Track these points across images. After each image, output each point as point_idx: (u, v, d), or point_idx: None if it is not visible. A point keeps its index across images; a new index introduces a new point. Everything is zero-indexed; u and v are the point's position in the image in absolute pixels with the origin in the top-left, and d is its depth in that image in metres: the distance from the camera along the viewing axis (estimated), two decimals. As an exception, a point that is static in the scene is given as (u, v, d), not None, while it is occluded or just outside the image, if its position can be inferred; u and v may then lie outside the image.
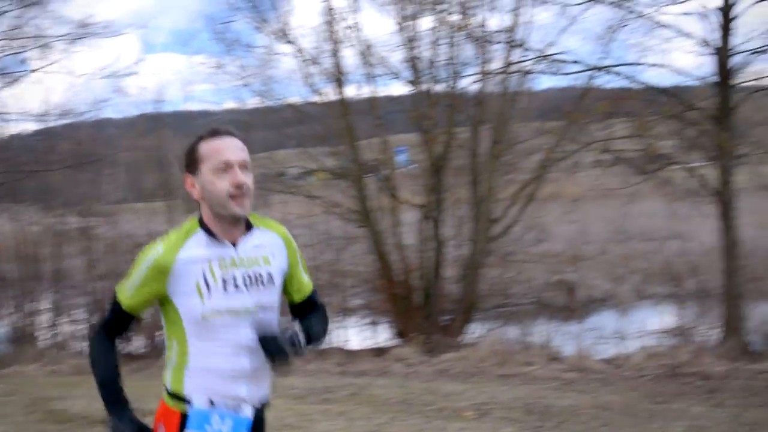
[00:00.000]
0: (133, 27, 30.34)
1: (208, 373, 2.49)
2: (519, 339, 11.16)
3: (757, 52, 9.74)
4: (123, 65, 20.23)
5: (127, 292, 2.51)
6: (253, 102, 12.64)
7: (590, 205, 13.20)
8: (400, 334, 11.69)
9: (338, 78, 11.80)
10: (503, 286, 12.53)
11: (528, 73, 11.37)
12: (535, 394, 7.57)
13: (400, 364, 9.92)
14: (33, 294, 13.63)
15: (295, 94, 13.05)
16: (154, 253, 2.46)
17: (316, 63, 11.92)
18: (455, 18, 11.23)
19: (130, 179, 18.85)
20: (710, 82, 10.07)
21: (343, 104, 11.84)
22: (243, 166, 2.48)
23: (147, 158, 16.01)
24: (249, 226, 2.58)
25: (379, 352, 11.00)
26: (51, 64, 12.96)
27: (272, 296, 2.58)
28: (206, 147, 2.50)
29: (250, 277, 2.54)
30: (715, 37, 9.94)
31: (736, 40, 9.89)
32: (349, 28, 11.68)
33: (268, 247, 2.61)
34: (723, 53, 9.87)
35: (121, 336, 2.60)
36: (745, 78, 10.01)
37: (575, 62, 10.71)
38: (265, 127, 13.30)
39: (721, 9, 9.89)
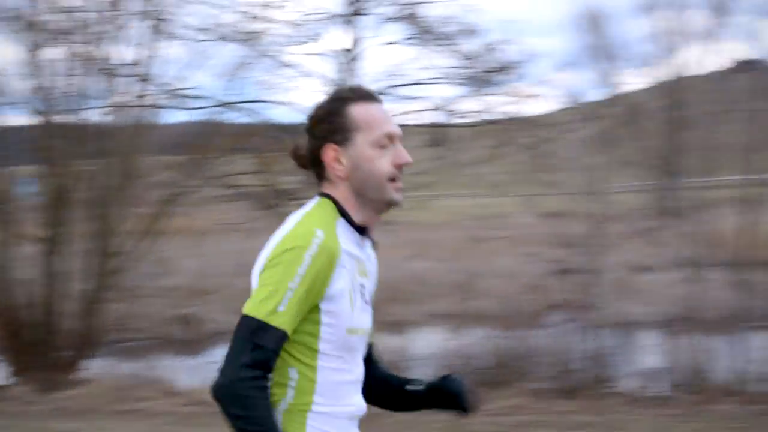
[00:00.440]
0: None
1: (334, 419, 1.91)
2: (138, 374, 10.99)
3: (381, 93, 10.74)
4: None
5: (281, 311, 1.79)
6: None
7: (215, 239, 13.49)
8: (15, 372, 10.90)
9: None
10: (125, 321, 12.26)
11: (156, 106, 11.39)
12: (152, 430, 7.58)
13: (14, 403, 9.34)
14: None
15: None
16: (314, 239, 1.84)
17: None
18: (83, 49, 10.91)
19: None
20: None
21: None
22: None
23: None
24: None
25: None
26: None
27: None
28: (362, 112, 1.98)
29: (369, 289, 2.05)
30: (341, 77, 10.69)
31: (362, 80, 10.61)
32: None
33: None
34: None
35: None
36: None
37: (203, 97, 10.96)
38: None
39: (347, 50, 10.66)
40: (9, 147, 11.59)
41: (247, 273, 2.01)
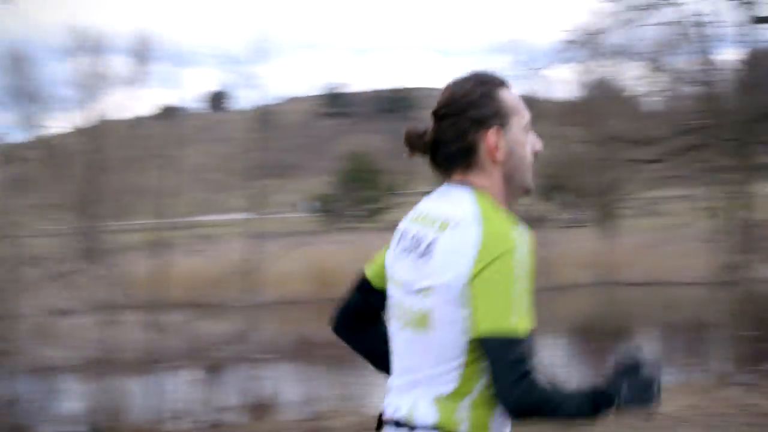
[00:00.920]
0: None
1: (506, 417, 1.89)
2: None
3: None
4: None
5: (526, 319, 1.81)
6: None
7: None
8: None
9: None
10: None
11: None
12: None
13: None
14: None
15: None
16: (524, 240, 1.84)
17: None
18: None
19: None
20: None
21: None
22: None
23: None
24: None
25: None
26: None
27: None
28: (510, 97, 1.99)
29: None
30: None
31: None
32: None
33: None
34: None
35: None
36: None
37: None
38: None
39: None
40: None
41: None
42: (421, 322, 1.93)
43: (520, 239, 1.84)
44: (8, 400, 8.99)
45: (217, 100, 79.45)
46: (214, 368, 10.37)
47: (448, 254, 1.87)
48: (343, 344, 2.32)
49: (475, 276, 1.83)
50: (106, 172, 13.39)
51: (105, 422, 9.02)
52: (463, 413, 1.89)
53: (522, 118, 2.02)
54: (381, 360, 2.19)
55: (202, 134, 46.59)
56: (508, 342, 1.78)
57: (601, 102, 14.27)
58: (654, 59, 11.30)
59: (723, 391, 8.23)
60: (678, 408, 7.49)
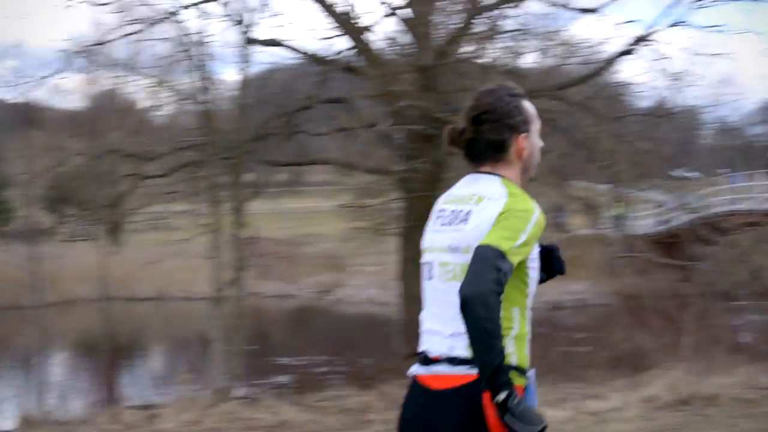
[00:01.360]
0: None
1: (530, 343, 2.43)
2: None
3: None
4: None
5: (514, 249, 2.27)
6: None
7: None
8: None
9: None
10: None
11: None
12: None
13: None
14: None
15: None
16: (537, 212, 2.37)
17: None
18: None
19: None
20: None
21: None
22: None
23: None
24: None
25: None
26: None
27: None
28: (531, 108, 2.54)
29: None
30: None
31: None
32: None
33: None
34: None
35: None
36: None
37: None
38: None
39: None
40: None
41: None
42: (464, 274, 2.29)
43: (537, 209, 2.37)
44: None
45: None
46: None
47: (483, 219, 2.37)
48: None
49: (495, 221, 2.33)
50: None
51: None
52: (511, 347, 2.34)
53: (537, 124, 2.56)
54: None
55: None
56: (498, 252, 2.22)
57: (104, 114, 13.93)
58: (158, 74, 11.26)
59: (224, 406, 8.29)
60: (179, 424, 7.38)
